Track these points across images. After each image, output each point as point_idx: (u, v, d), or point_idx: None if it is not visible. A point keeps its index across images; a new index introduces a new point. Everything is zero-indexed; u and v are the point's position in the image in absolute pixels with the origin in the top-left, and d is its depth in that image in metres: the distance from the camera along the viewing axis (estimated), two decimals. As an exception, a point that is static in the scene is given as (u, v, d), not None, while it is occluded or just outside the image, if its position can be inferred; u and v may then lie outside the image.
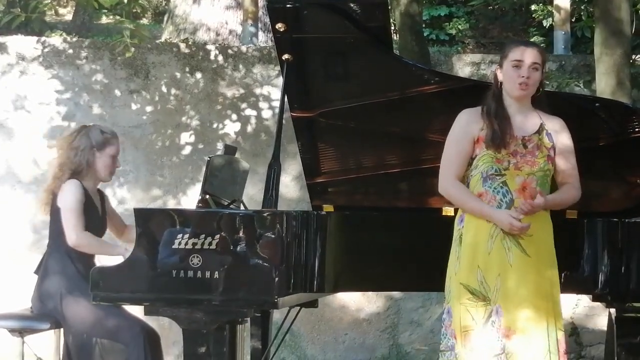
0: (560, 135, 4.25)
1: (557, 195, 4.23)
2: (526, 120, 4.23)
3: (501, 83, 4.24)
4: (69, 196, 4.87)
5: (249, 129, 7.88)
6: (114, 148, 5.04)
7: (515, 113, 4.22)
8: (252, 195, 7.04)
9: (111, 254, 4.84)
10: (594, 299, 4.62)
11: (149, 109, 7.85)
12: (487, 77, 4.42)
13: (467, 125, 4.21)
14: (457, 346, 4.15)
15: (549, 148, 4.19)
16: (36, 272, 5.00)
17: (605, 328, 6.49)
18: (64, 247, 4.88)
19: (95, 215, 5.00)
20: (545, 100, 4.31)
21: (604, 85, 6.64)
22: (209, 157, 4.81)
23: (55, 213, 4.92)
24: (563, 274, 4.40)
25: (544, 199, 4.10)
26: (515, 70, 4.17)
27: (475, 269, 4.11)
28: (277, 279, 4.38)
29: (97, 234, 5.00)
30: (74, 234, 4.84)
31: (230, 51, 8.01)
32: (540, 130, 4.22)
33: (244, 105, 7.89)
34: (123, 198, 7.71)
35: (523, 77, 4.16)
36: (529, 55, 4.18)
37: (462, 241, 4.17)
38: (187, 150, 7.84)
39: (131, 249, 4.49)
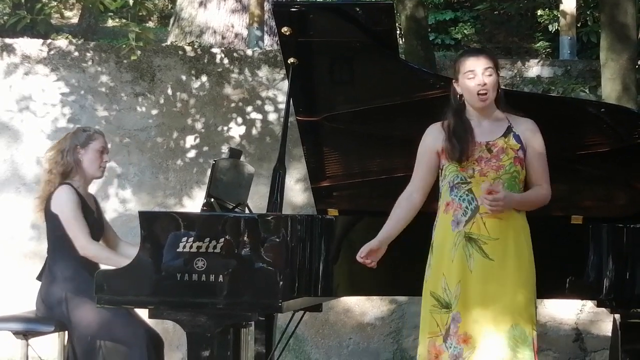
0: (530, 137, 4.25)
1: (525, 194, 4.22)
2: (492, 126, 4.26)
3: (461, 96, 4.27)
4: (66, 205, 4.87)
5: (254, 132, 7.88)
6: (98, 143, 5.03)
7: (480, 121, 4.26)
8: (257, 199, 7.04)
9: (118, 266, 4.76)
10: (599, 305, 4.62)
11: (154, 112, 7.85)
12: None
13: (431, 139, 4.29)
14: (420, 349, 4.22)
15: (517, 150, 4.20)
16: (38, 278, 5.00)
17: (609, 334, 6.48)
18: (67, 251, 4.87)
19: (91, 216, 5.00)
20: (505, 102, 4.31)
21: (610, 90, 6.64)
22: (214, 161, 4.80)
23: (51, 219, 4.91)
24: (568, 280, 4.40)
25: (504, 192, 4.09)
26: (471, 81, 4.22)
27: (441, 277, 4.17)
28: (281, 282, 4.38)
29: (95, 235, 5.00)
30: (81, 243, 4.84)
31: (235, 54, 8.02)
32: (506, 133, 4.24)
33: (249, 109, 7.90)
34: (127, 201, 7.71)
35: (480, 84, 4.20)
36: (480, 63, 4.23)
37: (432, 250, 4.25)
38: (192, 153, 7.84)
39: None
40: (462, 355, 4.09)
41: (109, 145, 7.58)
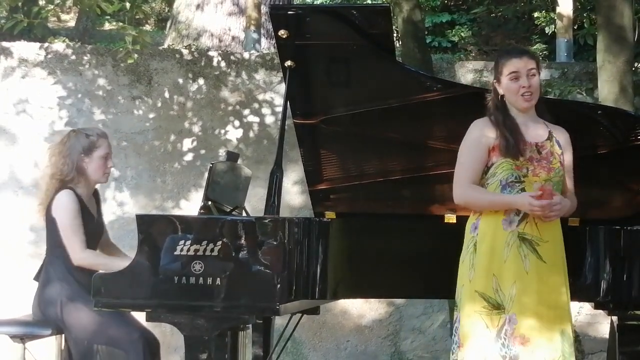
0: (566, 145, 4.29)
1: (571, 201, 4.26)
2: (536, 128, 4.27)
3: (502, 96, 4.26)
4: (65, 211, 4.85)
5: (251, 135, 7.88)
6: (102, 149, 5.00)
7: (524, 122, 4.25)
8: (255, 201, 7.04)
9: (117, 269, 4.75)
10: (596, 307, 4.62)
11: (151, 115, 7.85)
12: (490, 85, 4.40)
13: (482, 133, 4.22)
14: (460, 352, 4.15)
15: (560, 155, 4.23)
16: (35, 278, 5.00)
17: (607, 336, 6.48)
18: (62, 257, 4.87)
19: (92, 222, 5.00)
20: (545, 109, 4.34)
21: (607, 92, 6.64)
22: (212, 164, 4.80)
23: (50, 223, 4.90)
24: (566, 282, 4.40)
25: (558, 196, 4.10)
26: (514, 82, 4.20)
27: (491, 277, 4.10)
28: (278, 285, 4.37)
29: (95, 238, 5.00)
30: (76, 254, 4.83)
31: (232, 57, 8.02)
32: (550, 137, 4.25)
33: (246, 112, 7.90)
34: (125, 204, 7.71)
35: (524, 87, 4.19)
36: (524, 64, 4.22)
37: (477, 249, 4.15)
38: (190, 156, 7.84)
39: None
40: (520, 358, 4.05)
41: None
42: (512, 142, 4.14)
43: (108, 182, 7.56)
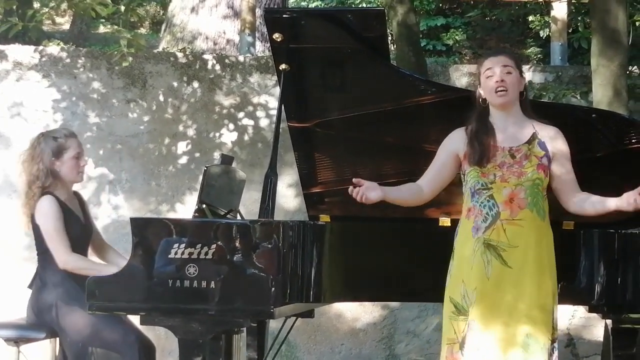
0: (555, 142, 4.26)
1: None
2: (518, 131, 4.26)
3: (484, 100, 4.29)
4: (47, 218, 4.83)
5: (246, 138, 7.88)
6: (72, 151, 4.96)
7: (505, 125, 4.26)
8: (249, 204, 7.04)
9: (100, 274, 4.74)
10: (590, 310, 4.61)
11: (146, 118, 7.85)
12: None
13: (453, 141, 4.29)
14: (441, 356, 4.21)
15: (540, 157, 4.21)
16: (30, 286, 4.98)
17: (601, 339, 6.49)
18: (54, 261, 4.85)
19: (77, 224, 4.98)
20: (531, 108, 4.34)
21: (601, 96, 6.64)
22: (206, 167, 4.80)
23: (36, 229, 4.89)
24: (559, 285, 4.39)
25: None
26: (490, 79, 4.23)
27: (460, 283, 4.16)
28: (273, 289, 4.37)
29: (84, 242, 4.99)
30: (61, 258, 4.81)
31: (227, 61, 8.02)
32: (531, 140, 4.23)
33: (241, 115, 7.90)
34: (119, 207, 7.71)
35: (497, 81, 4.20)
36: (497, 61, 4.25)
37: (453, 255, 4.23)
38: (184, 159, 7.84)
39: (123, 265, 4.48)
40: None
41: (101, 152, 7.65)
42: (478, 150, 4.18)
43: (102, 185, 7.62)
